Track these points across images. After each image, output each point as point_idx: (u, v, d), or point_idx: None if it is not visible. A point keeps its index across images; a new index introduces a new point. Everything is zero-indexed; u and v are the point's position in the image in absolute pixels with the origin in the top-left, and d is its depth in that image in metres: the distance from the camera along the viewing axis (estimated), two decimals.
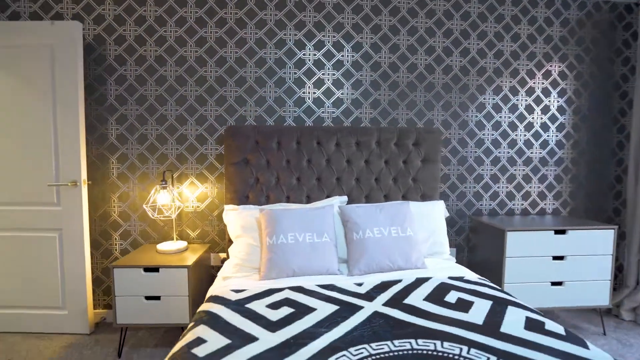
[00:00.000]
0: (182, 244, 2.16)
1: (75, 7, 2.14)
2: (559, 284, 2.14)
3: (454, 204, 2.48)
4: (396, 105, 2.38)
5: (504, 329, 1.14)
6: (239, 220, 1.96)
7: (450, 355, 0.97)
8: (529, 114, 2.47)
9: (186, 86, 2.24)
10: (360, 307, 1.35)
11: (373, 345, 1.04)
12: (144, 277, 1.87)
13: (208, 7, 2.21)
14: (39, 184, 2.03)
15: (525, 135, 2.48)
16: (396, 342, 1.05)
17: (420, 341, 1.05)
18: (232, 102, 2.28)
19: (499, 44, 2.40)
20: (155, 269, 1.88)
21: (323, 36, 2.28)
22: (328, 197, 2.20)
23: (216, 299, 1.45)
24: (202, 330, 1.16)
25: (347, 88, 2.33)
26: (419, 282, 1.59)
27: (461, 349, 1.01)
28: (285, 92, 2.30)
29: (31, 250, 2.07)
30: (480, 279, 1.69)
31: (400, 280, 1.63)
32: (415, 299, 1.41)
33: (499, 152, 2.48)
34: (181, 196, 2.30)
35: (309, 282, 1.63)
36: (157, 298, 1.89)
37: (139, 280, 1.87)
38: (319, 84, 2.32)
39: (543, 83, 2.45)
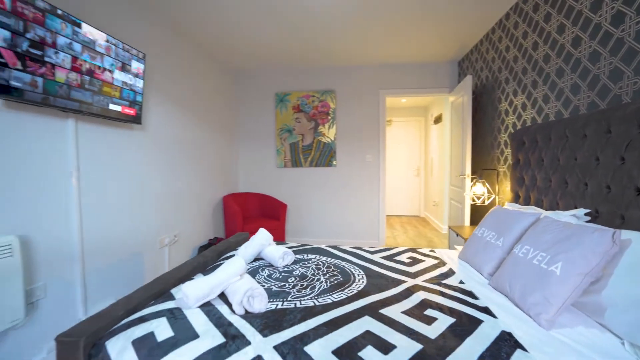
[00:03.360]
0: None
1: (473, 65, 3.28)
2: None
3: None
4: None
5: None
6: None
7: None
8: None
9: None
10: (403, 282, 1.66)
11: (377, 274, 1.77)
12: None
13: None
14: (457, 175, 3.53)
15: None
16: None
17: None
18: None
19: None
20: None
21: None
22: (575, 207, 1.61)
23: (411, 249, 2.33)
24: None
25: None
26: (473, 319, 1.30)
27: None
28: None
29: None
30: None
31: (478, 299, 1.39)
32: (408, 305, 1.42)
33: None
34: (500, 191, 2.67)
35: (455, 266, 1.86)
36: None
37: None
38: None
39: None
